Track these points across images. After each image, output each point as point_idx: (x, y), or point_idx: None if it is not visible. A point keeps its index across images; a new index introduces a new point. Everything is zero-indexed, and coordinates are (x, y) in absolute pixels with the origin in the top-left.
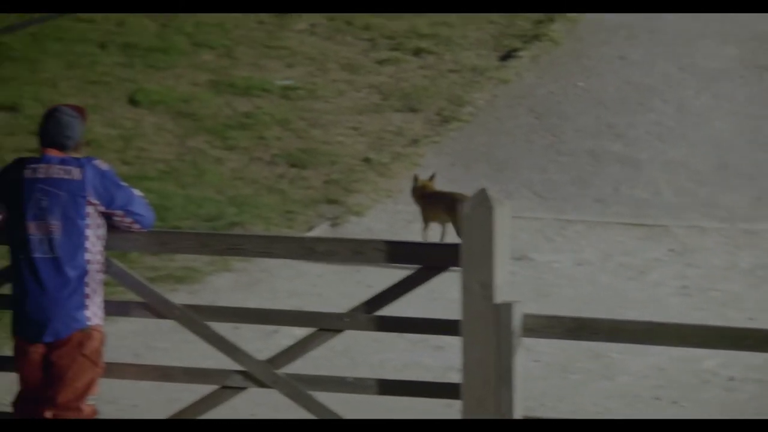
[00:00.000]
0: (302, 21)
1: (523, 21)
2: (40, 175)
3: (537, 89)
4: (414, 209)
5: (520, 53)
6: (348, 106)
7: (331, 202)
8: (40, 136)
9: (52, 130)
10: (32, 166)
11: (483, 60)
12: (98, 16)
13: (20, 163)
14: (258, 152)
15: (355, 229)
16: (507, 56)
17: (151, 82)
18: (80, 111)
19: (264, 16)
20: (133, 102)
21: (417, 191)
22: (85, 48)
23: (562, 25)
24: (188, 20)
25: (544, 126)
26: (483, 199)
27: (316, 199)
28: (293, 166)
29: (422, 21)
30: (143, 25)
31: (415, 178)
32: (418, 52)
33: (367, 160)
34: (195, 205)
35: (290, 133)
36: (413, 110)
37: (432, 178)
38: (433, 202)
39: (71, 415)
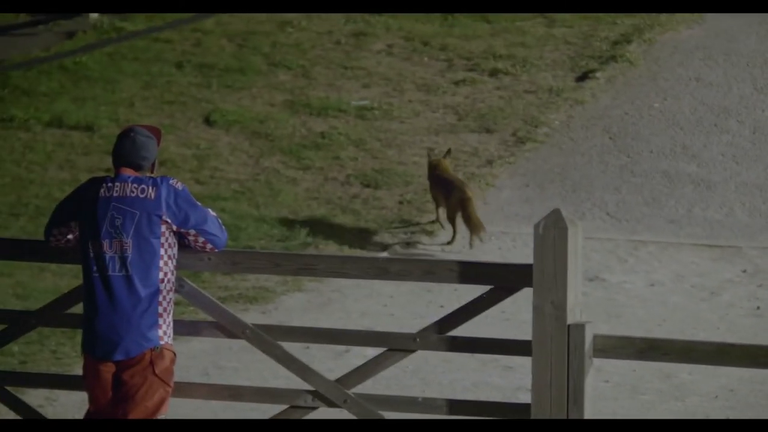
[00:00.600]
0: (379, 42)
1: (600, 42)
2: (115, 194)
3: (612, 110)
4: (488, 230)
5: (597, 74)
6: (423, 126)
7: (405, 222)
8: (114, 156)
9: (126, 151)
10: (107, 184)
11: (559, 81)
12: (176, 37)
13: (95, 182)
14: (332, 172)
15: (428, 249)
16: (583, 77)
17: (227, 102)
18: (155, 131)
19: (341, 37)
20: (208, 122)
21: (428, 168)
22: (162, 68)
23: (638, 46)
24: (265, 41)
25: (619, 147)
26: (556, 220)
27: (390, 219)
28: (367, 186)
29: (499, 42)
30: (220, 45)
31: (429, 155)
32: (494, 72)
33: None
34: (268, 225)
35: (365, 154)
36: (488, 131)
37: (447, 154)
38: (436, 184)
39: None
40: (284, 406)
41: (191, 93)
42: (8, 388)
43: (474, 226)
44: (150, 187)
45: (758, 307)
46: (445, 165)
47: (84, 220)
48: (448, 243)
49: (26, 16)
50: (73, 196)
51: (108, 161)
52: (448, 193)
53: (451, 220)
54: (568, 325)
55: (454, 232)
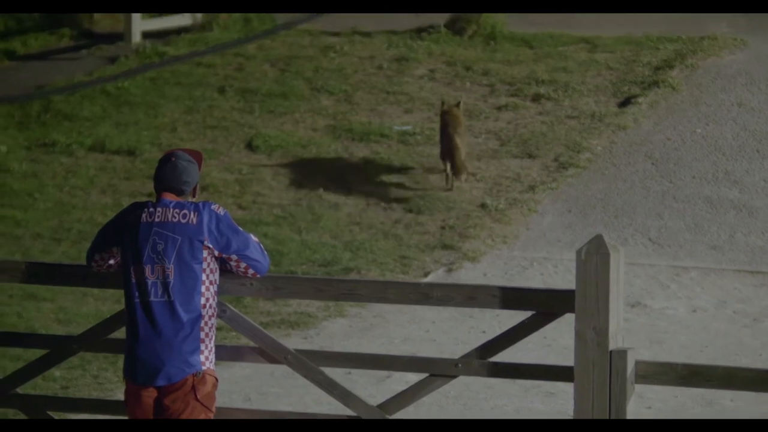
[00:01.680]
0: (421, 66)
1: (642, 67)
2: (157, 219)
3: (654, 135)
4: (529, 255)
5: (639, 99)
6: (466, 151)
7: (447, 247)
8: (156, 181)
9: (167, 176)
10: (149, 209)
11: (601, 106)
12: (218, 61)
13: (137, 207)
14: (375, 197)
15: (470, 274)
16: (625, 102)
17: (270, 127)
18: (197, 156)
19: (384, 62)
20: (251, 147)
21: (440, 117)
22: (204, 92)
23: (680, 71)
24: (307, 65)
25: (661, 172)
26: (599, 246)
27: (432, 245)
28: (410, 211)
29: (541, 67)
30: (263, 70)
31: (442, 103)
32: (536, 98)
33: (483, 205)
34: (310, 250)
35: (407, 179)
36: (531, 156)
37: (458, 104)
38: (440, 131)
39: None
40: None
41: (233, 118)
42: (50, 412)
43: (456, 170)
44: (192, 213)
45: None
46: (453, 114)
47: (126, 246)
48: (448, 189)
49: (69, 40)
50: (115, 221)
51: (150, 186)
52: (443, 141)
53: (443, 164)
54: (610, 351)
55: (447, 175)
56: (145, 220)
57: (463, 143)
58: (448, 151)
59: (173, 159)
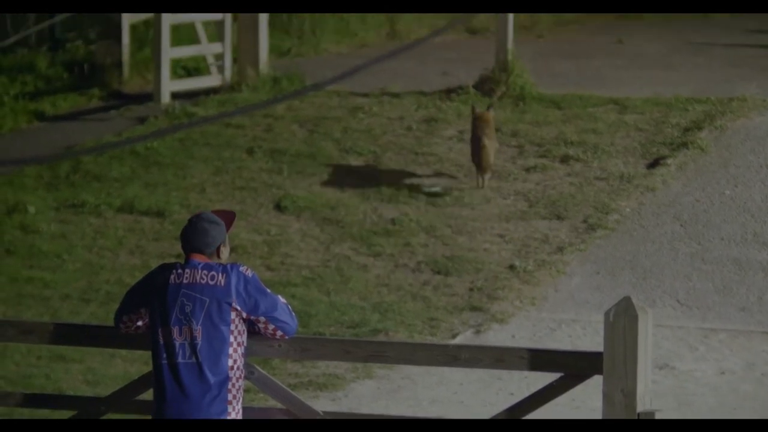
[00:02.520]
0: (450, 127)
1: (671, 128)
2: (185, 281)
3: (683, 197)
4: (557, 317)
5: (668, 161)
6: (494, 213)
7: (475, 309)
8: (182, 242)
9: (188, 237)
10: (177, 271)
11: (630, 167)
12: (247, 122)
13: (165, 269)
14: (403, 259)
15: (499, 336)
16: (654, 164)
17: (298, 188)
18: (227, 216)
19: (413, 123)
20: (279, 208)
21: (471, 121)
22: (233, 153)
23: (709, 132)
24: (336, 126)
25: (690, 234)
26: (627, 308)
27: (460, 307)
28: (438, 273)
29: (570, 128)
30: (291, 130)
31: (473, 109)
32: (565, 159)
33: (512, 267)
34: (339, 311)
35: (436, 240)
36: (559, 218)
37: (489, 108)
38: (471, 140)
39: None
40: None
41: (262, 179)
42: None
43: (482, 168)
44: (220, 274)
45: None
46: (484, 118)
47: (154, 307)
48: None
49: (98, 101)
50: (143, 282)
51: (178, 247)
52: (473, 142)
53: (474, 164)
54: (638, 413)
55: (479, 176)
56: (173, 282)
57: (490, 143)
58: (476, 150)
59: (194, 220)
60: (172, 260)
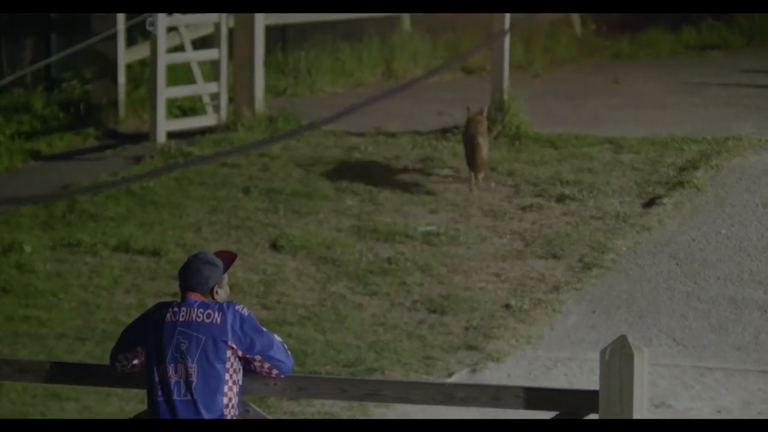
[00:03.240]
0: (446, 167)
1: (667, 168)
2: (181, 318)
3: (679, 236)
4: (553, 356)
5: (664, 200)
6: (490, 252)
7: (471, 348)
8: (179, 281)
9: (184, 276)
10: (173, 309)
11: (626, 207)
12: (243, 161)
13: (161, 307)
14: (399, 298)
15: (494, 375)
16: (650, 203)
17: (294, 228)
18: (225, 256)
19: (408, 162)
20: (275, 247)
21: (465, 124)
22: (229, 192)
23: (705, 172)
24: (332, 165)
25: (686, 273)
26: (623, 346)
27: (456, 345)
28: (434, 312)
29: (566, 167)
30: (287, 170)
31: (468, 110)
32: (561, 198)
33: (507, 306)
34: (334, 350)
35: (431, 279)
36: (555, 257)
37: (482, 112)
38: (464, 141)
39: None
40: None
41: (258, 218)
42: None
43: (476, 167)
44: (216, 312)
45: None
46: (476, 120)
47: (150, 345)
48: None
49: (94, 140)
50: (139, 321)
51: (174, 286)
52: (466, 144)
53: (468, 165)
54: None
55: (472, 176)
56: (169, 320)
57: (484, 141)
58: (470, 149)
59: (190, 260)
60: (168, 299)
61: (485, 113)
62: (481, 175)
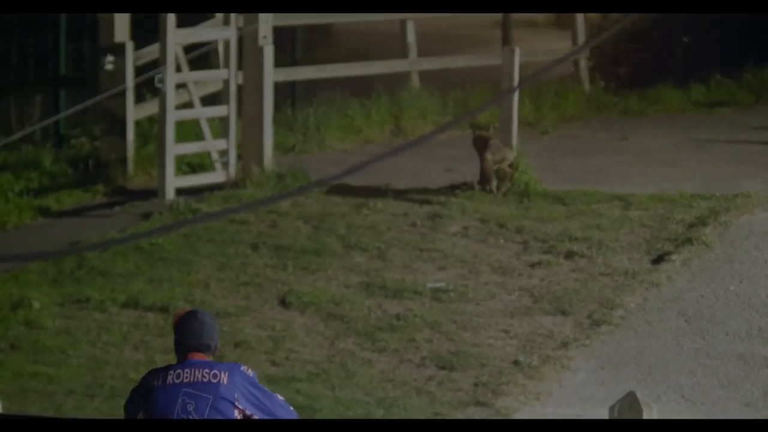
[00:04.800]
0: (455, 224)
1: (676, 225)
2: (186, 380)
3: (688, 293)
4: (562, 412)
5: (672, 257)
6: (499, 308)
7: (480, 404)
8: (183, 338)
9: (196, 333)
10: (175, 371)
11: (635, 263)
12: (251, 218)
13: (158, 372)
14: (408, 354)
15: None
16: (659, 260)
17: (303, 284)
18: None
19: (417, 219)
20: (284, 303)
21: (473, 142)
22: (238, 249)
23: (714, 228)
24: (341, 222)
25: (694, 329)
26: (631, 403)
27: (465, 402)
28: (442, 368)
29: (574, 224)
30: (296, 226)
31: (473, 129)
32: (570, 255)
33: (516, 362)
34: (343, 407)
35: (440, 336)
36: (564, 313)
37: (488, 128)
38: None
39: None
40: None
41: (267, 274)
42: None
43: (488, 181)
44: (222, 372)
45: None
46: (482, 136)
47: (150, 410)
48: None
49: (102, 197)
50: (137, 391)
51: None
52: (478, 145)
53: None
54: None
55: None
56: (172, 382)
57: (491, 155)
58: (480, 166)
59: (199, 316)
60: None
61: (492, 130)
62: (494, 183)
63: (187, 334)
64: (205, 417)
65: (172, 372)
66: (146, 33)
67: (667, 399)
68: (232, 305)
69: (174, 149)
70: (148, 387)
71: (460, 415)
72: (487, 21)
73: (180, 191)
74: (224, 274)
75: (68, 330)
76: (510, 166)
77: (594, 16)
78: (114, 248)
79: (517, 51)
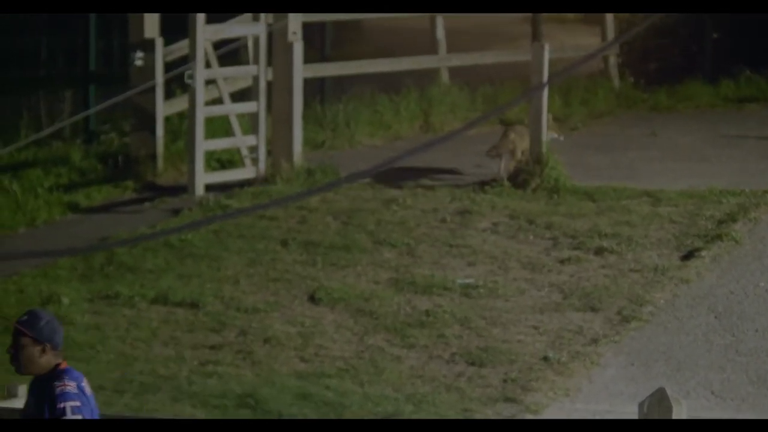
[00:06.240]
0: (485, 220)
1: (705, 221)
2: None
3: (717, 289)
4: (591, 408)
5: (702, 253)
6: (528, 304)
7: (509, 400)
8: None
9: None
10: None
11: (664, 259)
12: (281, 214)
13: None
14: (437, 350)
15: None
16: (688, 256)
17: (332, 280)
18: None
19: (447, 215)
20: (313, 300)
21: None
22: (267, 245)
23: (743, 224)
24: (370, 218)
25: (724, 326)
26: (661, 399)
27: (494, 398)
28: (472, 364)
29: (604, 220)
30: (325, 222)
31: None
32: (599, 251)
33: (545, 358)
34: (372, 403)
35: (470, 332)
36: (593, 309)
37: (524, 123)
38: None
39: None
40: None
41: (296, 271)
42: None
43: (496, 147)
44: None
45: None
46: (514, 128)
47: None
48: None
49: (132, 193)
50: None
51: (213, 338)
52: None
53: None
54: None
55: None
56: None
57: (511, 133)
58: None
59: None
60: (206, 351)
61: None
62: (503, 163)
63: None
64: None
65: (84, 379)
66: (176, 29)
67: (697, 395)
68: (261, 301)
69: (203, 145)
70: (87, 396)
71: (489, 411)
72: (516, 17)
73: (209, 187)
74: (254, 270)
75: (97, 326)
76: (522, 153)
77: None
78: (143, 244)
79: (547, 47)
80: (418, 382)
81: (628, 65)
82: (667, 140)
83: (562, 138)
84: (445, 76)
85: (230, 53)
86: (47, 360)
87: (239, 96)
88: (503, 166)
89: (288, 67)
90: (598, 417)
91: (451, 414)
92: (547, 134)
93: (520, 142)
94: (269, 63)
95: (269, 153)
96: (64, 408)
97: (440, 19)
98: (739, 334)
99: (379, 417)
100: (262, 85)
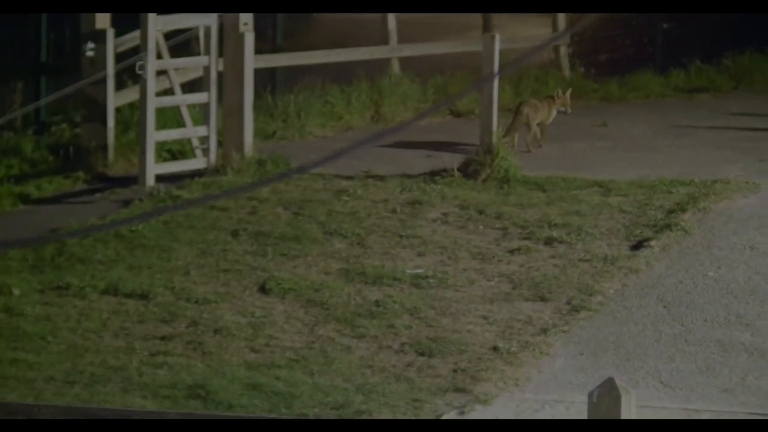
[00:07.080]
0: (434, 210)
1: (655, 210)
2: None
3: (667, 279)
4: (540, 398)
5: (651, 243)
6: (478, 294)
7: (459, 390)
8: None
9: None
10: None
11: (614, 249)
12: (231, 205)
13: None
14: (387, 341)
15: (482, 417)
16: (638, 246)
17: (283, 271)
18: None
19: (397, 206)
20: (264, 290)
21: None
22: (218, 236)
23: (693, 214)
24: (321, 209)
25: (673, 315)
26: (610, 388)
27: (444, 388)
28: (421, 354)
29: (554, 210)
30: (276, 213)
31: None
32: (549, 241)
33: (495, 348)
34: (322, 393)
35: (419, 322)
36: (543, 299)
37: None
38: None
39: None
40: None
41: (247, 261)
42: None
43: (511, 126)
44: None
45: None
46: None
47: None
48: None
49: (83, 184)
50: None
51: (163, 329)
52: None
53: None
54: None
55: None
56: None
57: (525, 109)
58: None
59: None
60: (157, 342)
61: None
62: (515, 138)
63: None
64: None
65: None
66: (127, 20)
67: (646, 385)
68: (211, 292)
69: (154, 136)
70: None
71: (439, 401)
72: None
73: (160, 178)
74: (204, 261)
75: (48, 317)
76: (538, 125)
77: None
78: (94, 235)
79: (498, 37)
80: (368, 372)
81: (579, 56)
82: (618, 130)
83: (569, 111)
84: (396, 67)
85: (181, 44)
86: None
87: (190, 87)
88: (531, 137)
89: (239, 57)
90: (547, 407)
91: (401, 404)
92: (557, 108)
93: (534, 114)
94: (220, 54)
95: (220, 144)
96: None
97: None
98: (688, 324)
99: (328, 407)
100: (213, 75)
